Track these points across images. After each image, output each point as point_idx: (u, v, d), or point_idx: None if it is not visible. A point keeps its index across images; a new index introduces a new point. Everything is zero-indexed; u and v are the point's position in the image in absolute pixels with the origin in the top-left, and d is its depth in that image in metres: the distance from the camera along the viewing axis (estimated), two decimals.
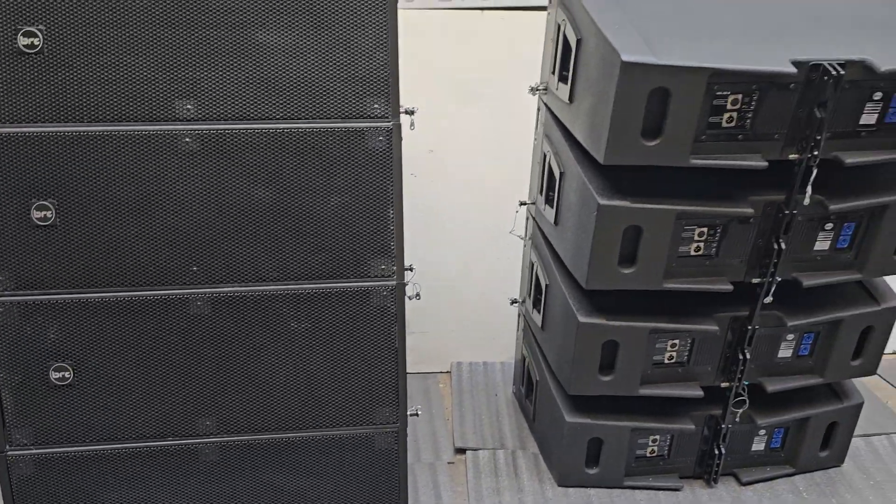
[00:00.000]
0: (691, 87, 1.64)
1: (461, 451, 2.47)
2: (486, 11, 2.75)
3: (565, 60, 1.92)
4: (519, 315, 2.65)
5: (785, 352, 2.14)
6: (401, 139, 1.78)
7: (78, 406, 1.81)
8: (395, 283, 1.84)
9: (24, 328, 1.74)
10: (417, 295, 1.95)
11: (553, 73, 2.04)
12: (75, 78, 1.62)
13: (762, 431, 2.28)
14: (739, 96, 1.70)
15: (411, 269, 1.88)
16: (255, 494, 1.93)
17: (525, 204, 2.41)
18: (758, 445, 2.31)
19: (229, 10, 1.65)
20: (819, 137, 1.72)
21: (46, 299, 1.73)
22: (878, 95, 1.73)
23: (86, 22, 1.60)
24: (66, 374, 1.78)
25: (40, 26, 1.60)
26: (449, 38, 2.75)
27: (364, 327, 1.85)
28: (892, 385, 2.89)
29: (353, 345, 1.86)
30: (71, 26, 1.59)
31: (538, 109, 2.26)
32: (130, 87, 1.66)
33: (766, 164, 1.75)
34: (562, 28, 1.93)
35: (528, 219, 2.46)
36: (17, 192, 1.66)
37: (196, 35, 1.66)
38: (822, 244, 1.96)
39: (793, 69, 1.63)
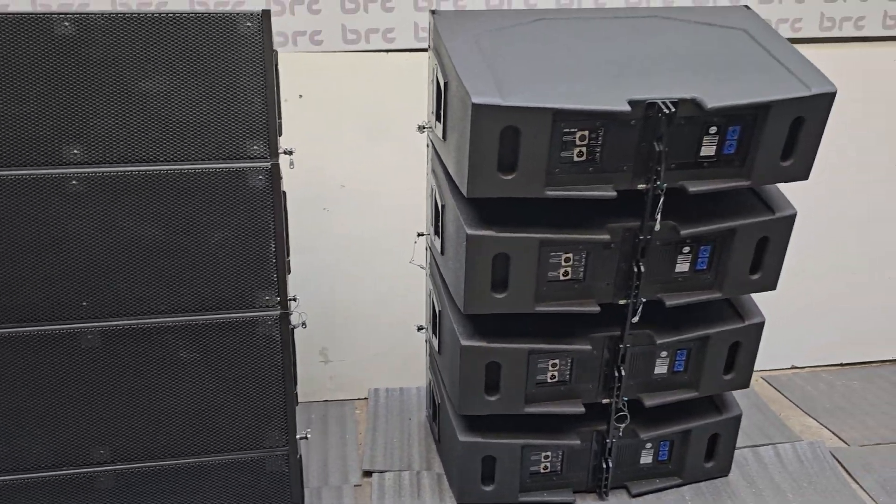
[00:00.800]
0: (538, 126, 1.80)
1: (368, 473, 2.56)
2: (390, 53, 2.91)
3: (439, 101, 2.07)
4: (425, 341, 2.77)
5: (661, 368, 2.28)
6: (280, 178, 1.91)
7: None
8: (278, 313, 1.95)
9: None
10: (303, 324, 2.06)
11: (433, 112, 2.19)
12: None
13: (648, 445, 2.41)
14: (586, 133, 1.86)
15: (295, 300, 2.00)
16: None
17: (422, 235, 2.55)
18: (646, 458, 2.44)
19: (113, 61, 1.78)
20: (660, 169, 1.88)
21: None
22: (713, 129, 1.90)
23: None
24: None
25: None
26: (358, 79, 2.91)
27: (251, 356, 1.96)
28: (787, 398, 3.05)
29: (241, 372, 1.96)
30: None
31: (427, 146, 2.41)
32: (19, 133, 1.77)
33: (614, 194, 1.91)
34: (435, 71, 2.09)
35: (426, 249, 2.60)
36: None
37: (82, 84, 1.78)
38: (682, 266, 2.12)
39: (627, 108, 1.79)
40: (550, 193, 1.90)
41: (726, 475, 2.53)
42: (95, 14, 1.79)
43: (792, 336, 3.29)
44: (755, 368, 3.13)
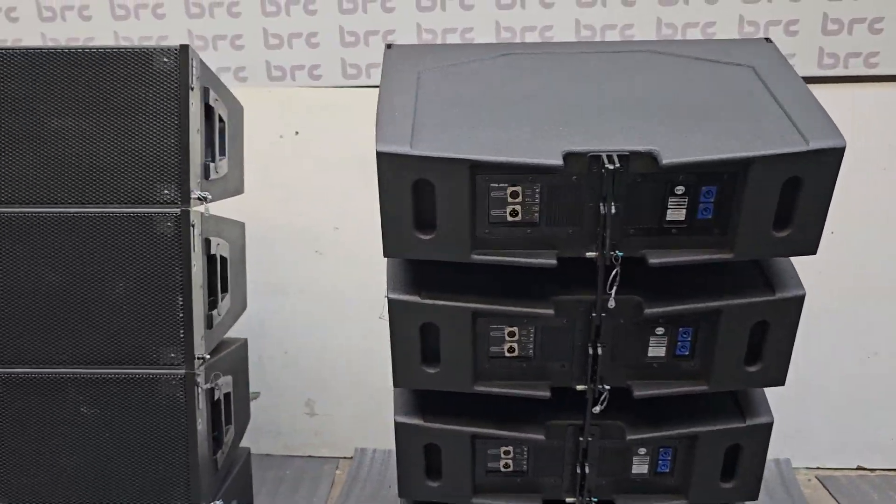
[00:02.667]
0: (453, 179, 1.53)
1: None
2: None
3: None
4: None
5: (640, 468, 1.91)
6: (191, 225, 1.75)
7: None
8: (183, 372, 1.78)
9: None
10: (216, 387, 1.88)
11: None
12: None
13: None
14: (519, 189, 1.57)
15: (203, 360, 1.82)
16: None
17: None
18: None
19: (24, 97, 1.70)
20: (605, 235, 1.55)
21: None
22: (679, 190, 1.55)
23: None
24: None
25: None
26: (357, 115, 2.74)
27: (154, 416, 1.80)
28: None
29: (143, 433, 1.81)
30: None
31: None
32: None
33: (554, 262, 1.59)
34: None
35: None
36: None
37: None
38: (656, 350, 1.75)
39: (559, 162, 1.48)
40: (477, 258, 1.61)
41: None
42: (11, 50, 1.72)
43: (862, 428, 2.76)
44: (811, 466, 2.68)
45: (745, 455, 1.88)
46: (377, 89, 2.69)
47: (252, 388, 2.72)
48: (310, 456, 2.86)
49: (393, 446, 2.83)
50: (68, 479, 1.83)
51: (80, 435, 1.81)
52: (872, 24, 2.55)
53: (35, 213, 1.73)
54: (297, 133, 2.75)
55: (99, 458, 1.82)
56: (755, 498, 1.95)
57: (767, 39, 1.90)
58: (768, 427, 1.85)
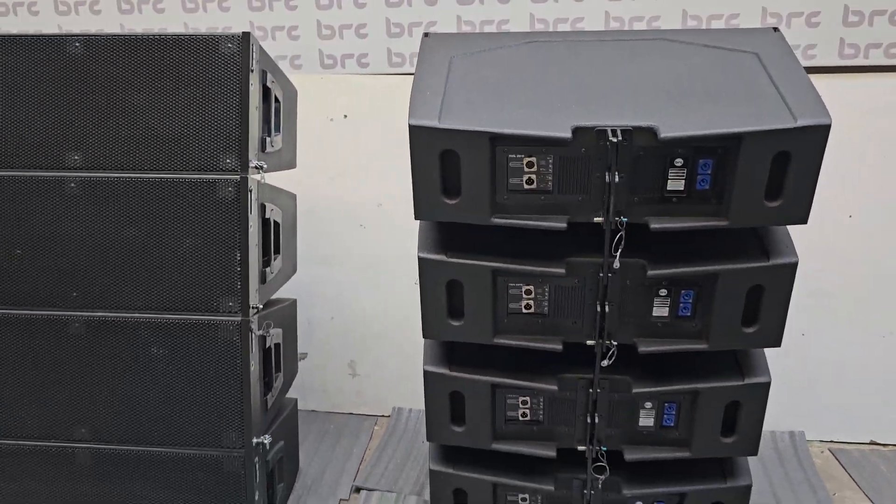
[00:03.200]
0: (476, 150, 1.73)
1: (358, 490, 2.57)
2: None
3: None
4: None
5: (646, 421, 2.09)
6: (248, 191, 1.99)
7: None
8: (239, 319, 2.03)
9: None
10: (267, 336, 2.13)
11: None
12: None
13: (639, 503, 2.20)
14: (534, 160, 1.77)
15: (257, 310, 2.07)
16: (123, 500, 2.17)
17: None
18: None
19: (112, 77, 1.97)
20: (610, 201, 1.74)
21: None
22: (678, 162, 1.73)
23: (2, 86, 1.98)
24: None
25: None
26: (400, 101, 2.96)
27: (213, 357, 2.06)
28: (852, 478, 2.65)
29: (204, 372, 2.07)
30: None
31: None
32: (29, 139, 2.02)
33: (564, 225, 1.79)
34: None
35: None
36: None
37: (85, 97, 1.99)
38: (660, 310, 1.93)
39: (568, 135, 1.68)
40: (497, 221, 1.82)
41: None
42: (100, 36, 2.00)
43: (876, 405, 2.86)
44: (824, 439, 2.81)
45: (744, 412, 2.03)
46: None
47: (301, 349, 2.98)
48: (351, 413, 3.10)
49: None
50: (139, 410, 2.10)
51: (150, 372, 2.08)
52: (893, 16, 2.65)
53: (118, 177, 2.01)
54: (345, 116, 2.98)
55: (165, 392, 2.09)
56: (755, 453, 2.10)
57: (775, 29, 2.05)
58: (765, 386, 2.00)
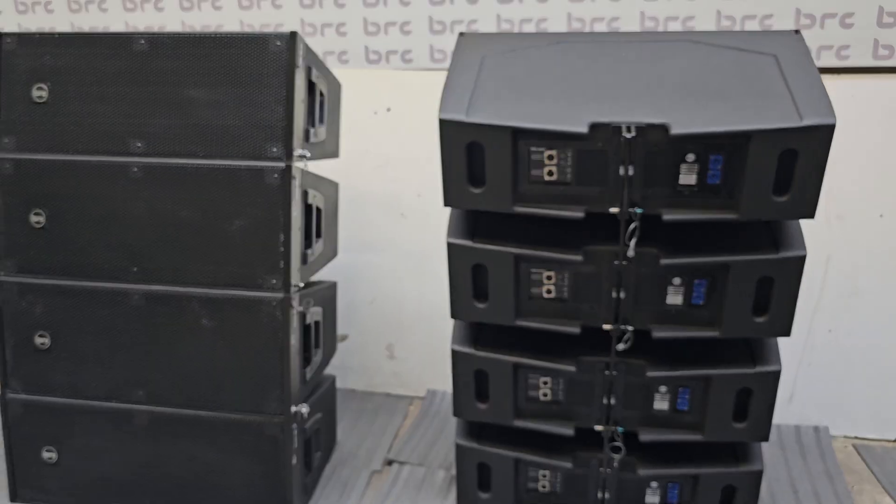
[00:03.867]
0: (499, 143, 1.87)
1: (390, 462, 2.74)
2: None
3: None
4: None
5: (661, 404, 2.19)
6: (292, 178, 2.17)
7: (53, 366, 2.37)
8: (282, 296, 2.21)
9: (21, 303, 2.35)
10: (307, 313, 2.30)
11: None
12: (64, 120, 2.23)
13: (654, 484, 2.30)
14: (554, 153, 1.89)
15: (298, 288, 2.24)
16: (175, 459, 2.37)
17: None
18: (652, 499, 2.33)
19: (172, 72, 2.17)
20: (624, 193, 1.85)
21: (37, 283, 2.32)
22: (690, 157, 1.83)
23: (75, 80, 2.20)
24: (46, 341, 2.36)
25: (47, 83, 2.22)
26: (439, 97, 3.11)
27: (257, 330, 2.24)
28: (872, 472, 2.69)
29: (249, 344, 2.25)
30: (65, 83, 2.21)
31: None
32: (98, 128, 2.23)
33: (582, 215, 1.91)
34: None
35: None
36: (23, 202, 2.28)
37: (149, 90, 2.19)
38: (674, 298, 2.03)
39: (584, 129, 1.79)
40: (519, 209, 1.95)
41: None
42: (163, 34, 2.19)
43: None
44: (848, 434, 2.86)
45: (755, 399, 2.12)
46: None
47: (342, 331, 3.17)
48: (388, 393, 3.27)
49: None
50: (190, 376, 2.30)
51: (200, 342, 2.27)
52: None
53: (175, 163, 2.20)
54: (388, 110, 3.14)
55: (214, 361, 2.28)
56: (766, 439, 2.19)
57: (797, 31, 2.12)
58: (776, 374, 2.09)
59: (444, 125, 1.88)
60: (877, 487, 2.60)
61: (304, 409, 2.33)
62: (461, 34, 2.29)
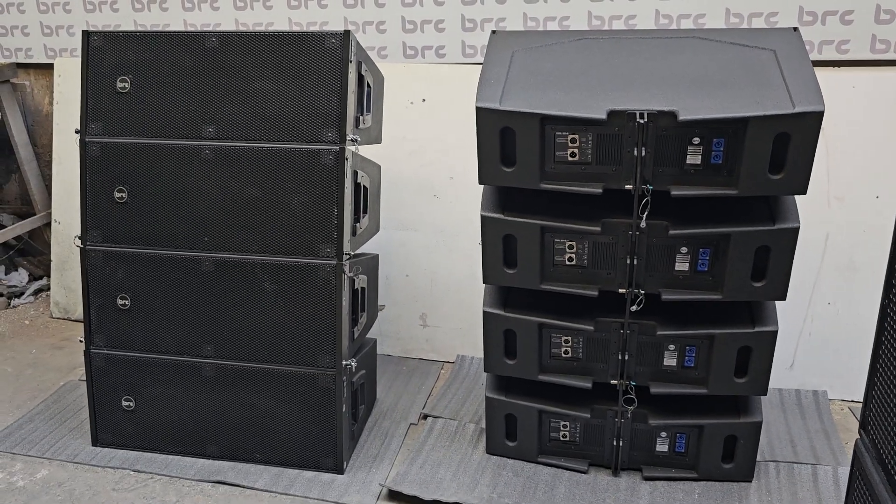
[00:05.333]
0: (528, 128, 2.15)
1: (425, 417, 3.04)
2: None
3: None
4: None
5: (670, 361, 2.47)
6: (345, 159, 2.47)
7: (132, 324, 2.70)
8: (335, 263, 2.52)
9: (105, 268, 2.68)
10: (356, 279, 2.60)
11: None
12: (144, 108, 2.54)
13: (663, 434, 2.58)
14: (577, 136, 2.17)
15: (349, 255, 2.55)
16: (238, 406, 2.69)
17: None
18: (661, 447, 2.61)
19: (239, 66, 2.47)
20: (637, 172, 2.13)
21: (119, 251, 2.65)
22: (696, 140, 2.10)
23: (154, 73, 2.51)
24: (126, 303, 2.69)
25: (129, 76, 2.54)
26: (472, 87, 3.40)
27: (313, 293, 2.55)
28: None
29: (306, 305, 2.56)
30: (145, 76, 2.52)
31: None
32: (176, 115, 2.54)
33: (600, 191, 2.19)
34: None
35: None
36: (108, 180, 2.61)
37: (219, 82, 2.50)
38: (681, 265, 2.30)
39: (603, 116, 2.07)
40: (545, 186, 2.24)
41: (749, 481, 2.60)
42: (232, 33, 2.50)
43: None
44: (845, 398, 3.12)
45: (754, 356, 2.39)
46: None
47: (381, 301, 3.47)
48: (421, 358, 3.58)
49: None
50: (254, 334, 2.62)
51: (263, 303, 2.59)
52: None
53: (242, 146, 2.51)
54: (424, 100, 3.44)
55: (274, 321, 2.59)
56: (764, 393, 2.46)
57: (795, 28, 2.38)
58: (773, 334, 2.36)
59: (480, 112, 2.17)
60: None
61: (353, 363, 2.64)
62: (493, 32, 2.58)
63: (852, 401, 3.17)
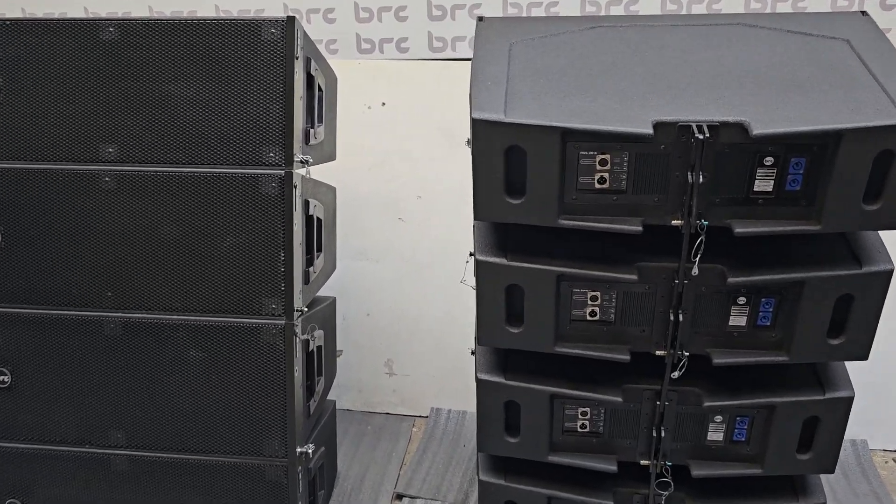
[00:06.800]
0: (545, 146, 1.59)
1: (400, 497, 2.47)
2: None
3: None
4: None
5: (715, 435, 1.95)
6: (293, 186, 1.87)
7: (15, 407, 2.05)
8: (283, 322, 1.92)
9: None
10: (311, 339, 2.01)
11: None
12: (20, 122, 1.90)
13: None
14: (607, 157, 1.62)
15: (301, 312, 1.95)
16: None
17: (473, 255, 2.39)
18: None
19: (147, 64, 1.85)
20: (692, 203, 1.59)
21: None
22: (768, 161, 1.58)
23: (33, 74, 1.87)
24: (6, 378, 2.03)
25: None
26: (442, 88, 2.82)
27: (255, 362, 1.95)
28: None
29: (245, 378, 1.96)
30: (20, 78, 1.87)
31: None
32: (62, 130, 1.90)
33: (640, 228, 1.65)
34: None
35: None
36: None
37: (120, 86, 1.87)
38: (737, 320, 1.79)
39: (649, 130, 1.53)
40: (565, 223, 1.68)
41: None
42: (136, 20, 1.87)
43: None
44: (888, 448, 2.66)
45: (823, 428, 1.89)
46: (463, 62, 2.79)
47: (337, 346, 2.87)
48: (388, 413, 3.00)
49: (467, 407, 2.96)
50: (177, 416, 2.00)
51: (188, 377, 1.98)
52: None
53: (152, 171, 1.89)
54: (383, 104, 2.85)
55: (204, 399, 1.98)
56: (831, 471, 1.97)
57: (863, 12, 1.88)
58: (849, 401, 1.87)
59: (479, 126, 1.60)
60: None
61: (310, 448, 2.04)
62: (480, 19, 2.01)
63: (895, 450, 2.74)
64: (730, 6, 2.64)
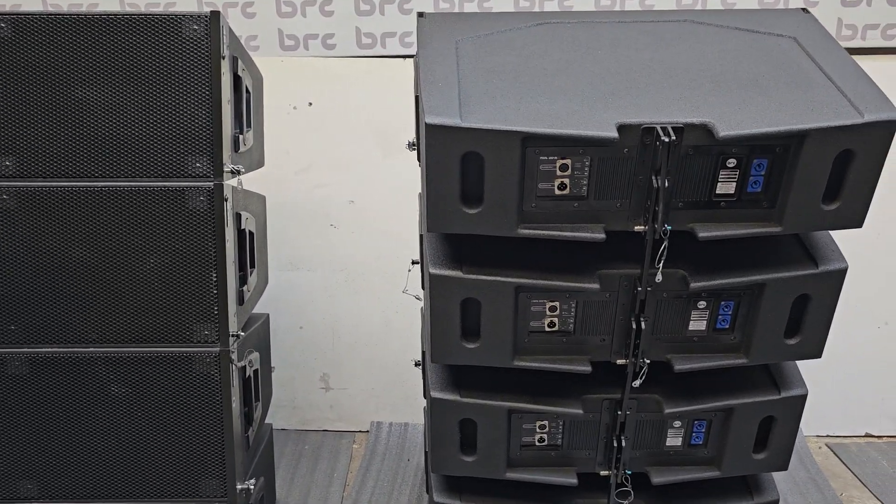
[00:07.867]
0: (504, 152, 1.49)
1: None
2: (408, 59, 2.67)
3: (416, 118, 1.81)
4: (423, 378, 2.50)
5: (674, 440, 1.92)
6: (224, 199, 1.70)
7: None
8: (218, 349, 1.74)
9: None
10: (248, 364, 1.85)
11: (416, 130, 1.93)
12: None
13: None
14: (568, 162, 1.54)
15: (237, 336, 1.78)
16: None
17: (416, 263, 2.28)
18: None
19: (49, 65, 1.63)
20: (658, 208, 1.53)
21: None
22: (731, 163, 1.54)
23: None
24: None
25: None
26: (373, 86, 2.69)
27: (187, 395, 1.76)
28: (855, 475, 2.57)
29: (176, 413, 1.77)
30: None
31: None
32: None
33: (603, 236, 1.58)
34: (414, 83, 1.82)
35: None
36: None
37: (17, 91, 1.64)
38: (697, 324, 1.75)
39: (614, 134, 1.46)
40: (525, 232, 1.59)
41: None
42: (33, 14, 1.64)
43: (869, 397, 2.80)
44: (820, 434, 2.73)
45: (779, 426, 1.89)
46: (394, 59, 2.66)
47: None
48: (325, 430, 2.84)
49: (409, 419, 2.85)
50: (99, 460, 1.79)
51: (110, 415, 1.77)
52: None
53: (62, 186, 1.67)
54: (310, 104, 2.69)
55: (129, 439, 1.79)
56: (785, 468, 1.97)
57: (804, 10, 1.88)
58: (803, 399, 1.87)
59: (433, 131, 1.49)
60: (864, 493, 2.48)
61: (251, 484, 1.88)
62: (421, 14, 1.89)
63: (828, 435, 2.81)
64: (665, 3, 2.62)
